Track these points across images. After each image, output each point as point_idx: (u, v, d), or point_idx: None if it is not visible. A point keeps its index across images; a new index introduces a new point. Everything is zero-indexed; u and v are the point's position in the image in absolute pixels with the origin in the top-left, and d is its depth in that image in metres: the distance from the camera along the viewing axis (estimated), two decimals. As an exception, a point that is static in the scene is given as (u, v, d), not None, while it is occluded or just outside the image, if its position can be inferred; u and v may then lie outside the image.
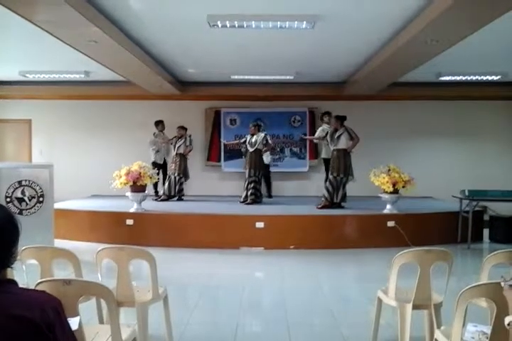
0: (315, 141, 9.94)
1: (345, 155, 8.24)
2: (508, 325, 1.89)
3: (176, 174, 9.45)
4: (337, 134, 8.26)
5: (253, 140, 9.05)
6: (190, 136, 9.65)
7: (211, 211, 8.11)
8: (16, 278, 1.60)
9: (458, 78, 9.33)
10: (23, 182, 6.25)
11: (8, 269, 1.51)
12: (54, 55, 7.65)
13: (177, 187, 9.48)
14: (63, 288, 2.34)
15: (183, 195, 9.65)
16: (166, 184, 9.51)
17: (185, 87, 10.38)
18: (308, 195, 10.37)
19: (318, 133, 9.37)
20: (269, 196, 10.10)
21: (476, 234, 7.70)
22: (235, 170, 10.59)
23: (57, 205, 7.60)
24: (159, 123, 10.10)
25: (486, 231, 8.08)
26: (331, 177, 8.29)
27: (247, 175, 9.04)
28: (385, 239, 7.36)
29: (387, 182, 7.49)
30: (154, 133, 10.08)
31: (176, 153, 9.54)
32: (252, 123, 9.30)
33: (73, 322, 1.85)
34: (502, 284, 2.05)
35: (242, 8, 5.39)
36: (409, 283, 3.34)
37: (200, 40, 6.82)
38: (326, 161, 9.28)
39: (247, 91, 10.23)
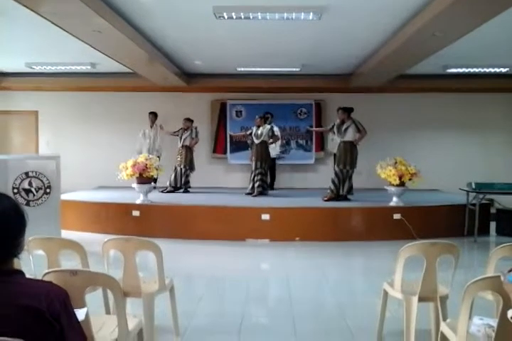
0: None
1: (352, 147, 8.20)
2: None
3: (182, 166, 9.48)
4: (344, 126, 8.21)
5: (259, 132, 9.03)
6: (196, 128, 9.68)
7: (217, 203, 8.11)
8: (23, 269, 1.61)
9: (466, 70, 9.25)
10: (30, 174, 6.28)
11: (16, 259, 1.52)
12: (60, 47, 7.65)
13: (183, 179, 9.51)
14: (70, 279, 2.35)
15: (190, 187, 9.67)
16: (172, 175, 9.53)
17: (191, 78, 10.35)
18: (314, 187, 10.34)
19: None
20: (272, 188, 10.07)
21: (482, 227, 7.67)
22: (241, 162, 10.59)
23: (63, 196, 7.64)
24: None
25: (492, 224, 8.03)
26: (337, 169, 8.26)
27: (253, 167, 9.04)
28: (391, 232, 7.35)
29: (394, 174, 7.47)
30: (161, 126, 10.17)
31: (182, 145, 9.57)
32: (258, 115, 9.28)
33: (80, 313, 1.86)
34: (502, 278, 2.05)
35: (249, -1, 5.36)
36: (415, 275, 3.34)
37: (206, 31, 6.79)
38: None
39: (253, 83, 10.19)
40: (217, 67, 9.58)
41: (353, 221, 7.61)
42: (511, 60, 8.56)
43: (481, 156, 10.64)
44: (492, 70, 9.20)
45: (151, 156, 7.98)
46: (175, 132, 9.80)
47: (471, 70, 9.22)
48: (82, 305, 2.24)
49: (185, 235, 7.39)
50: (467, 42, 6.53)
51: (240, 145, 10.73)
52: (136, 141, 10.28)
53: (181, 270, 5.44)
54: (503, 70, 9.17)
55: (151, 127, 10.33)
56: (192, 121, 9.69)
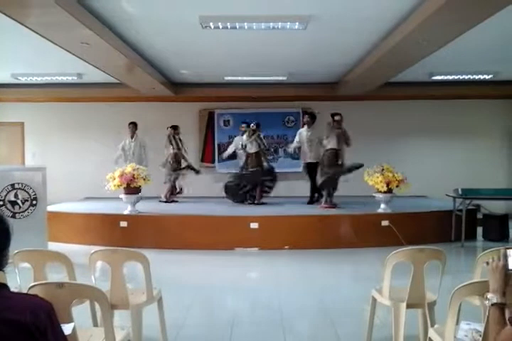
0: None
1: (337, 154, 8.24)
2: (489, 301, 1.91)
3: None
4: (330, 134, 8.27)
5: (249, 143, 8.99)
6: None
7: (205, 212, 8.09)
8: (9, 282, 1.59)
9: (450, 77, 9.37)
10: (16, 186, 6.23)
11: (0, 273, 1.50)
12: (46, 58, 7.63)
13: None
14: (56, 292, 2.33)
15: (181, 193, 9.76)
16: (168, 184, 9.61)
17: (178, 88, 10.37)
18: (302, 195, 10.34)
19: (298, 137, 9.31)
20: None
21: (469, 232, 7.73)
22: (230, 171, 10.56)
23: (50, 208, 7.59)
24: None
25: (479, 230, 8.11)
26: (322, 173, 8.35)
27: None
28: (379, 239, 7.37)
29: (381, 181, 7.51)
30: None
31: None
32: (253, 123, 9.06)
33: (67, 328, 1.85)
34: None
35: (235, 9, 5.39)
36: (403, 282, 3.35)
37: (192, 41, 6.81)
38: (310, 165, 9.24)
39: (241, 92, 10.23)
40: (204, 76, 9.60)
41: (342, 228, 7.62)
42: (495, 67, 8.69)
43: (467, 162, 10.74)
44: (477, 77, 9.31)
45: (138, 166, 7.92)
46: (170, 142, 9.65)
47: (456, 77, 9.34)
48: (69, 318, 2.22)
49: (174, 245, 7.36)
50: (452, 49, 6.63)
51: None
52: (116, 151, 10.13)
53: (170, 280, 5.41)
54: (487, 77, 9.29)
55: (132, 138, 10.14)
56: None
